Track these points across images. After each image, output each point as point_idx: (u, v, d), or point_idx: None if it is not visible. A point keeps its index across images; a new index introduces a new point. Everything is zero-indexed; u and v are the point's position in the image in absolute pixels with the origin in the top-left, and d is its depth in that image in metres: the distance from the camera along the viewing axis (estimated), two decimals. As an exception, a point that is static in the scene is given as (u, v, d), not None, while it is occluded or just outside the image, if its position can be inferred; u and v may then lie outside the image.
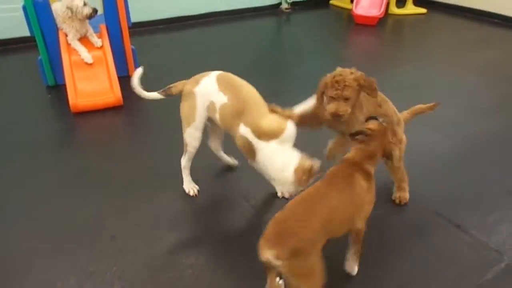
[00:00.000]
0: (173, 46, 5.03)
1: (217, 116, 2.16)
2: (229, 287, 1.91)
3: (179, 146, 2.38)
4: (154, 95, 2.31)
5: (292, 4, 6.54)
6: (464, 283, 1.93)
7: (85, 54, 3.56)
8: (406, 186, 2.41)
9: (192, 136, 2.28)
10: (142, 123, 3.36)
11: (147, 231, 2.21)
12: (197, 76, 2.26)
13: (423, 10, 6.47)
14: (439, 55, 4.91)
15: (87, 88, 3.49)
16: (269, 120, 2.03)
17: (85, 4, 3.48)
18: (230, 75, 2.21)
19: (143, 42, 4.85)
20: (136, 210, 2.37)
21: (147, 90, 2.37)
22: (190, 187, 2.46)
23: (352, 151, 1.86)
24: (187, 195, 2.46)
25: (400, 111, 2.52)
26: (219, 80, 2.17)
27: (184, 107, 2.26)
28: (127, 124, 3.38)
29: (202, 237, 2.19)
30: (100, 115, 3.39)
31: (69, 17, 3.49)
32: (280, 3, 6.58)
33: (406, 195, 2.41)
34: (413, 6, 6.53)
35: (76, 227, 2.24)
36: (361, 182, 1.76)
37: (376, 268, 2.01)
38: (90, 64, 3.58)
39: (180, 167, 2.45)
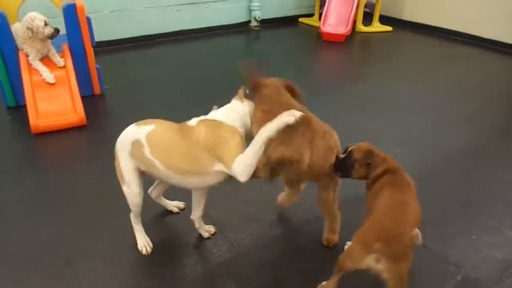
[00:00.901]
0: (141, 64, 5.00)
1: (146, 152, 1.94)
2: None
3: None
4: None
5: (261, 22, 6.64)
6: (421, 297, 1.95)
7: (47, 74, 3.50)
8: (337, 228, 2.21)
9: (131, 193, 2.04)
10: (105, 141, 3.27)
11: (105, 254, 2.15)
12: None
13: (389, 28, 6.66)
14: (405, 71, 5.06)
15: (49, 108, 3.42)
16: None
17: (46, 24, 3.43)
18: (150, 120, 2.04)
19: (109, 60, 4.82)
20: (95, 231, 2.31)
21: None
22: (143, 244, 2.16)
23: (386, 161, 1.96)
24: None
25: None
26: (142, 122, 2.03)
27: (115, 166, 2.06)
28: (89, 143, 3.32)
29: (163, 259, 2.14)
30: (62, 135, 3.32)
31: (30, 38, 3.43)
32: (249, 21, 6.67)
33: (335, 237, 2.22)
34: (379, 24, 6.71)
35: (31, 250, 2.17)
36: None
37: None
38: (52, 84, 3.52)
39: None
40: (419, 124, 3.66)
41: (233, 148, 1.83)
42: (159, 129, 1.95)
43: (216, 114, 1.99)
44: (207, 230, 2.28)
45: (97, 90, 3.99)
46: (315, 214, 2.39)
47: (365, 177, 1.97)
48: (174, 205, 2.47)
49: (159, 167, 1.91)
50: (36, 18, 3.40)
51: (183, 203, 2.48)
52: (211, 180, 1.92)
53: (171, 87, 4.31)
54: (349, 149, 1.98)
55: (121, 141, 2.00)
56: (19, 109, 3.66)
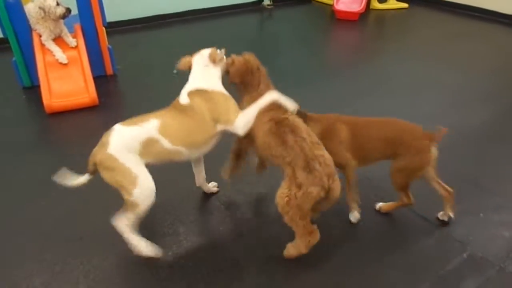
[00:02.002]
0: (152, 45, 5.02)
1: (164, 143, 1.98)
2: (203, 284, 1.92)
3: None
4: (82, 179, 2.02)
5: (275, 0, 6.54)
6: (426, 273, 1.97)
7: (60, 55, 3.55)
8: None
9: (144, 193, 1.92)
10: (117, 121, 3.32)
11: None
12: (101, 140, 2.00)
13: (405, 5, 6.50)
14: (420, 49, 4.95)
15: (62, 88, 3.48)
16: None
17: (58, 4, 3.46)
18: (129, 120, 2.05)
19: (121, 41, 4.85)
20: (106, 209, 2.36)
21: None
22: (145, 250, 2.01)
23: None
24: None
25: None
26: (132, 122, 2.02)
27: (113, 175, 1.92)
28: (101, 123, 3.34)
29: (175, 236, 2.20)
30: (75, 115, 3.38)
31: (42, 18, 3.47)
32: (262, 0, 6.58)
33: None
34: (395, 1, 6.56)
35: (45, 226, 2.24)
36: None
37: (336, 256, 2.06)
38: (65, 65, 3.57)
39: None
40: (433, 102, 3.60)
41: (232, 108, 2.07)
42: (165, 121, 2.00)
43: (197, 82, 2.13)
44: (213, 187, 2.51)
45: (109, 70, 4.03)
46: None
47: None
48: None
49: (183, 152, 2.03)
50: (48, -2, 3.43)
51: None
52: (214, 142, 2.12)
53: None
54: None
55: (124, 145, 1.93)
56: (34, 89, 3.74)
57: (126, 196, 1.93)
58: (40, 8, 3.44)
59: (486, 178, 2.63)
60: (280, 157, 1.89)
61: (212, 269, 1.99)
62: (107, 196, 2.45)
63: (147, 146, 1.95)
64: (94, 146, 2.41)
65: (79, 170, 2.67)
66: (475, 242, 2.13)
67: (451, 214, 2.26)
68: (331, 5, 6.18)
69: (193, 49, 2.28)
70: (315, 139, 1.93)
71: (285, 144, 1.88)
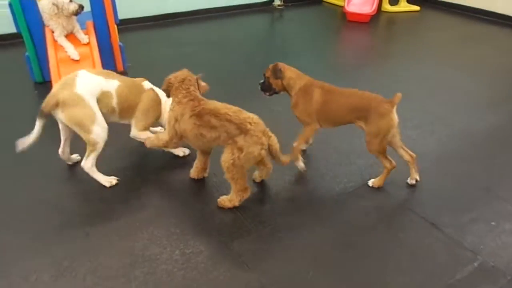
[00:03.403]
0: (162, 43, 5.03)
1: (113, 101, 2.48)
2: (204, 281, 1.92)
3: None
4: (37, 128, 2.32)
5: (285, 1, 6.53)
6: (435, 281, 1.94)
7: (72, 51, 3.56)
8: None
9: (102, 129, 2.38)
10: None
11: (121, 228, 2.22)
12: (62, 82, 2.39)
13: (417, 8, 6.46)
14: (430, 52, 4.92)
15: (73, 84, 3.49)
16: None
17: (71, 1, 3.48)
18: (94, 69, 2.72)
19: (131, 38, 4.86)
20: (113, 206, 2.38)
21: None
22: (107, 180, 2.52)
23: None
24: (164, 190, 2.49)
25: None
26: (97, 72, 2.50)
27: (75, 112, 2.30)
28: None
29: (178, 232, 2.20)
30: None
31: (55, 14, 3.49)
32: (272, 0, 6.57)
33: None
34: (407, 4, 6.52)
35: (54, 221, 2.26)
36: None
37: (345, 264, 2.03)
38: (77, 61, 3.57)
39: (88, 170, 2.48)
40: (442, 106, 3.58)
41: (143, 119, 2.66)
42: (123, 86, 2.53)
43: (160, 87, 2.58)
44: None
45: (119, 67, 4.04)
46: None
47: (284, 90, 2.60)
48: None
49: (116, 115, 2.57)
50: (61, -6, 3.44)
51: None
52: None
53: (191, 67, 4.31)
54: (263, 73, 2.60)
55: (89, 88, 2.36)
56: (45, 85, 3.75)
57: (86, 135, 2.35)
58: (53, 4, 3.45)
59: (497, 185, 2.60)
60: (217, 138, 2.19)
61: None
62: (114, 192, 2.50)
63: (104, 97, 2.43)
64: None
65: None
66: (486, 250, 2.11)
67: (417, 177, 2.54)
68: (342, 7, 6.16)
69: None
70: (235, 108, 2.23)
71: (214, 127, 2.18)
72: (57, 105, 2.28)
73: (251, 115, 2.21)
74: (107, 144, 2.47)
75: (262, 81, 2.64)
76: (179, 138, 2.35)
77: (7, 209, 2.35)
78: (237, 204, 2.31)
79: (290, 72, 2.58)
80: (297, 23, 6.04)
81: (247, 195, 2.31)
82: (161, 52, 4.72)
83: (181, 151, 2.82)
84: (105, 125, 2.41)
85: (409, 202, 2.44)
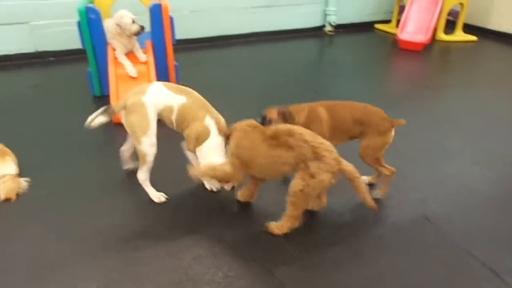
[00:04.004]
0: (215, 63, 5.17)
1: (173, 117, 2.48)
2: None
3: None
4: (100, 119, 2.45)
5: (336, 27, 6.55)
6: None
7: (130, 68, 3.74)
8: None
9: (150, 144, 2.44)
10: (176, 135, 3.43)
11: (170, 244, 2.25)
12: (136, 90, 2.47)
13: (473, 38, 6.27)
14: (487, 84, 4.73)
15: (129, 100, 3.65)
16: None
17: (133, 22, 3.68)
18: (170, 83, 2.58)
19: (186, 58, 5.02)
20: (162, 220, 2.43)
21: None
22: (157, 195, 2.59)
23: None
24: (212, 210, 2.51)
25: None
26: (167, 86, 2.51)
27: (133, 119, 2.40)
28: (162, 136, 3.47)
29: (221, 253, 2.20)
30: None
31: (118, 33, 3.69)
32: (323, 26, 6.62)
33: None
34: (462, 33, 6.36)
35: (104, 232, 2.33)
36: None
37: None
38: (134, 78, 3.75)
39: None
40: (502, 142, 3.40)
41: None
42: (186, 103, 2.48)
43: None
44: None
45: (173, 85, 4.17)
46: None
47: None
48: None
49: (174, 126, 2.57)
50: (125, 15, 3.65)
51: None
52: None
53: (241, 89, 4.41)
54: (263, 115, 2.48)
55: (154, 99, 2.42)
56: (103, 99, 3.95)
57: (136, 145, 2.44)
58: (117, 24, 3.66)
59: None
60: (292, 162, 2.11)
61: None
62: (164, 207, 2.55)
63: (165, 109, 2.46)
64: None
65: (134, 180, 2.77)
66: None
67: (385, 194, 2.59)
68: (394, 34, 6.10)
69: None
70: (308, 130, 2.17)
71: (292, 147, 2.10)
72: (124, 108, 2.42)
73: (324, 140, 2.16)
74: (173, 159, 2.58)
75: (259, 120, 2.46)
76: (244, 169, 2.29)
77: (58, 218, 2.45)
78: (286, 231, 2.26)
79: (295, 113, 2.48)
80: (347, 49, 6.03)
81: (297, 223, 2.25)
82: (213, 72, 4.85)
83: (217, 186, 2.71)
84: (154, 141, 2.46)
85: (465, 242, 2.30)
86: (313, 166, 2.06)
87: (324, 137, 2.40)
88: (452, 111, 3.97)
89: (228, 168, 2.29)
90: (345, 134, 2.52)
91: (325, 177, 2.07)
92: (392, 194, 2.68)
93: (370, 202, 2.23)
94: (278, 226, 2.27)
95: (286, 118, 2.44)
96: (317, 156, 2.07)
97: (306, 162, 2.09)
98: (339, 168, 2.12)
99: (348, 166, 2.16)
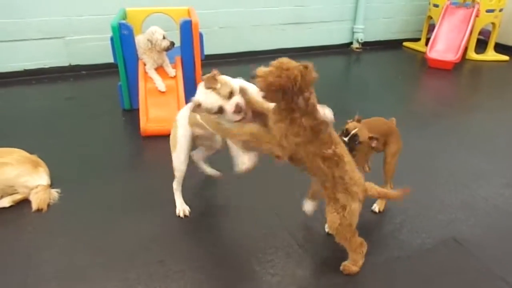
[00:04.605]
0: (241, 77, 5.19)
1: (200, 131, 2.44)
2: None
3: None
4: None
5: (363, 44, 6.53)
6: None
7: (160, 83, 3.82)
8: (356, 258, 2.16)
9: (177, 161, 2.52)
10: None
11: (195, 259, 2.25)
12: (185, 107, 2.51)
13: (505, 58, 6.13)
14: (520, 105, 4.60)
15: (157, 114, 3.72)
16: None
17: (164, 38, 3.77)
18: None
19: (214, 73, 5.09)
20: (188, 235, 2.44)
21: None
22: (181, 208, 2.61)
23: None
24: (237, 222, 2.51)
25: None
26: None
27: (172, 132, 2.55)
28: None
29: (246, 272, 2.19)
30: (166, 140, 3.53)
31: (149, 49, 3.79)
32: (351, 43, 6.61)
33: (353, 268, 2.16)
34: (494, 53, 6.22)
35: (129, 246, 2.35)
36: None
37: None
38: (163, 92, 3.82)
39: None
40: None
41: None
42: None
43: None
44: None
45: (200, 100, 4.23)
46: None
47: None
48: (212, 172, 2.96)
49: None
50: (156, 31, 3.75)
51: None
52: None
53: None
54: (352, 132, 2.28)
55: (186, 116, 2.45)
56: (132, 112, 4.04)
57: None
58: (148, 40, 3.76)
59: None
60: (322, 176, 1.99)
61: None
62: (190, 222, 2.56)
63: (196, 125, 2.41)
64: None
65: (166, 192, 2.80)
66: None
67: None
68: (423, 53, 6.02)
69: None
70: (353, 163, 2.04)
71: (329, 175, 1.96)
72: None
73: (357, 174, 2.03)
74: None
75: (345, 138, 2.26)
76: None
77: (87, 230, 2.49)
78: (362, 261, 2.15)
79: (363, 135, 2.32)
80: (375, 66, 5.99)
81: (365, 248, 2.13)
82: (239, 88, 4.89)
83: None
84: (182, 157, 2.50)
85: (498, 267, 2.21)
86: (342, 198, 1.99)
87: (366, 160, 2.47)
88: (482, 132, 3.87)
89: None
90: (375, 150, 2.49)
91: (355, 206, 2.00)
92: (419, 214, 2.62)
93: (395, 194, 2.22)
94: (352, 263, 2.15)
95: (354, 144, 2.26)
96: (347, 191, 1.99)
97: (335, 192, 1.99)
98: (366, 195, 2.07)
99: (373, 189, 2.10)
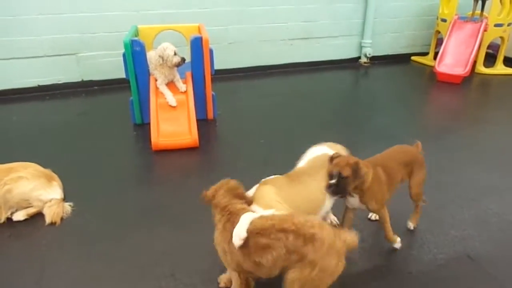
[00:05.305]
0: (251, 93, 5.27)
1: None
2: None
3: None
4: None
5: (371, 58, 6.57)
6: None
7: (170, 98, 3.88)
8: None
9: None
10: (214, 164, 3.52)
11: (206, 273, 2.26)
12: None
13: (515, 71, 6.12)
14: (530, 119, 4.57)
15: (168, 128, 3.77)
16: None
17: (175, 54, 3.84)
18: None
19: (223, 88, 5.15)
20: (199, 249, 2.45)
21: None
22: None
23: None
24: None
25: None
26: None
27: None
28: (200, 164, 3.55)
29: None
30: (177, 154, 3.62)
31: (160, 64, 3.86)
32: (359, 57, 6.65)
33: None
34: (503, 66, 6.21)
35: (141, 259, 2.37)
36: None
37: None
38: (174, 107, 3.88)
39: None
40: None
41: None
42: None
43: None
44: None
45: (210, 115, 4.29)
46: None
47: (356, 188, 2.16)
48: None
49: None
50: (168, 48, 3.82)
51: None
52: None
53: (277, 118, 4.46)
54: (336, 172, 2.05)
55: None
56: (143, 127, 4.09)
57: None
58: (159, 56, 3.83)
59: None
60: (278, 259, 1.71)
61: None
62: (201, 235, 2.56)
63: None
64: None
65: (177, 206, 2.83)
66: None
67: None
68: (432, 67, 6.04)
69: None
70: (282, 214, 1.84)
71: (266, 247, 1.72)
72: None
73: (309, 217, 1.76)
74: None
75: (333, 181, 2.05)
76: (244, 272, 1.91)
77: (99, 243, 2.51)
78: None
79: (365, 167, 2.14)
80: (383, 81, 6.01)
81: None
82: (250, 101, 4.95)
83: None
84: None
85: (509, 284, 2.19)
86: (309, 252, 1.62)
87: (384, 198, 2.26)
88: (492, 146, 3.85)
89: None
90: (398, 183, 2.38)
91: (330, 262, 1.62)
92: (431, 230, 2.61)
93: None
94: None
95: (358, 175, 2.08)
96: (306, 238, 1.64)
97: (298, 251, 1.64)
98: (342, 242, 1.68)
99: (349, 236, 1.74)
